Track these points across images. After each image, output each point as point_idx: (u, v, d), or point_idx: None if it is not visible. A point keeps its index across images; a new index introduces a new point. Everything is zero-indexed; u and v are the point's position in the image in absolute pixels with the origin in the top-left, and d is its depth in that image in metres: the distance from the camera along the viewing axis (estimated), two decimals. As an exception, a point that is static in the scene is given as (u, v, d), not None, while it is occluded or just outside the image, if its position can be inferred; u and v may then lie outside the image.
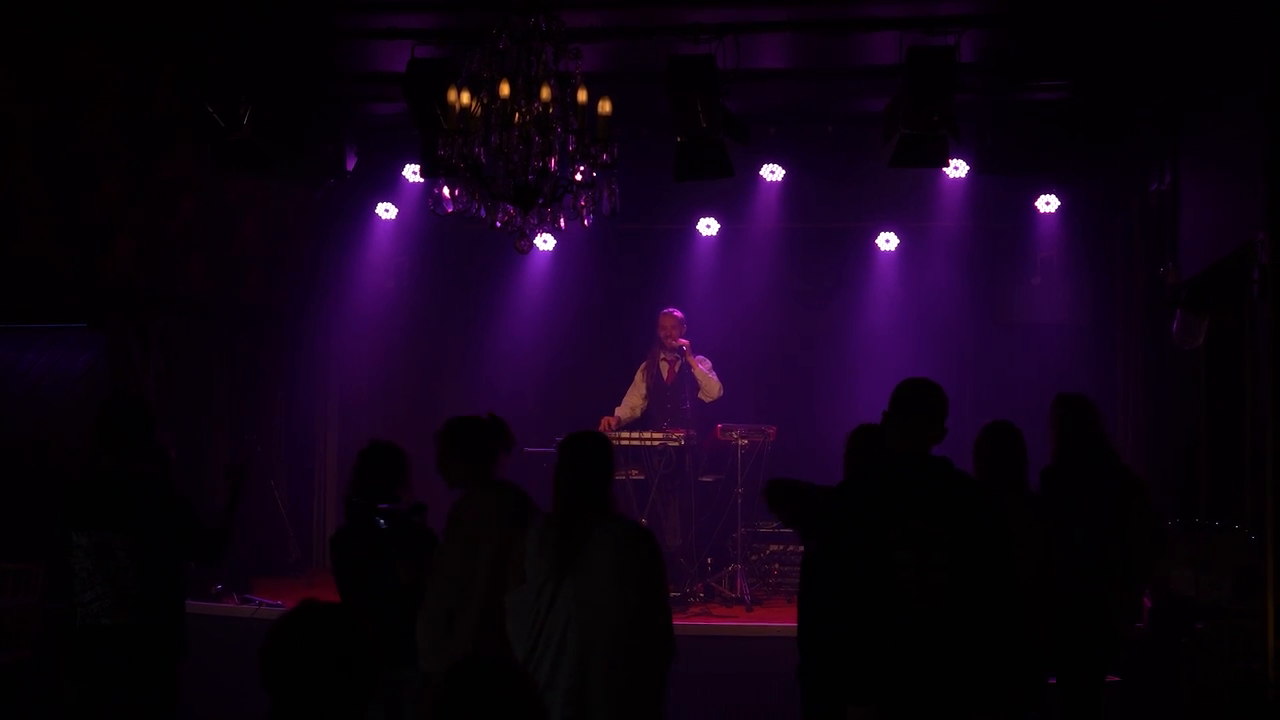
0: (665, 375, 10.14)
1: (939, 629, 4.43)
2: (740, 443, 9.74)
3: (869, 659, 4.49)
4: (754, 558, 10.00)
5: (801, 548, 6.37)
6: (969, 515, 4.51)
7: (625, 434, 9.69)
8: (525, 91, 5.90)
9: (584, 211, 6.07)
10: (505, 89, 5.82)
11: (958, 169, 9.91)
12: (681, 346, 10.02)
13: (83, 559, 5.56)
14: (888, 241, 11.28)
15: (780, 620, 8.48)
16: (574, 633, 4.78)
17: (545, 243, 11.04)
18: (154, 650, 5.62)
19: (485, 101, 5.94)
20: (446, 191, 6.03)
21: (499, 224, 6.10)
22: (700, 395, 10.07)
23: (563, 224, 6.14)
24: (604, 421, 9.89)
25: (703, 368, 10.09)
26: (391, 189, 10.78)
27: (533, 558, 4.92)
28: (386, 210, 11.00)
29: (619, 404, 10.25)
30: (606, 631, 4.82)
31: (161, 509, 5.64)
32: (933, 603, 4.42)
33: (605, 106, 5.94)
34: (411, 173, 10.36)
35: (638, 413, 10.16)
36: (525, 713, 3.05)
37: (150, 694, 5.62)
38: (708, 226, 11.29)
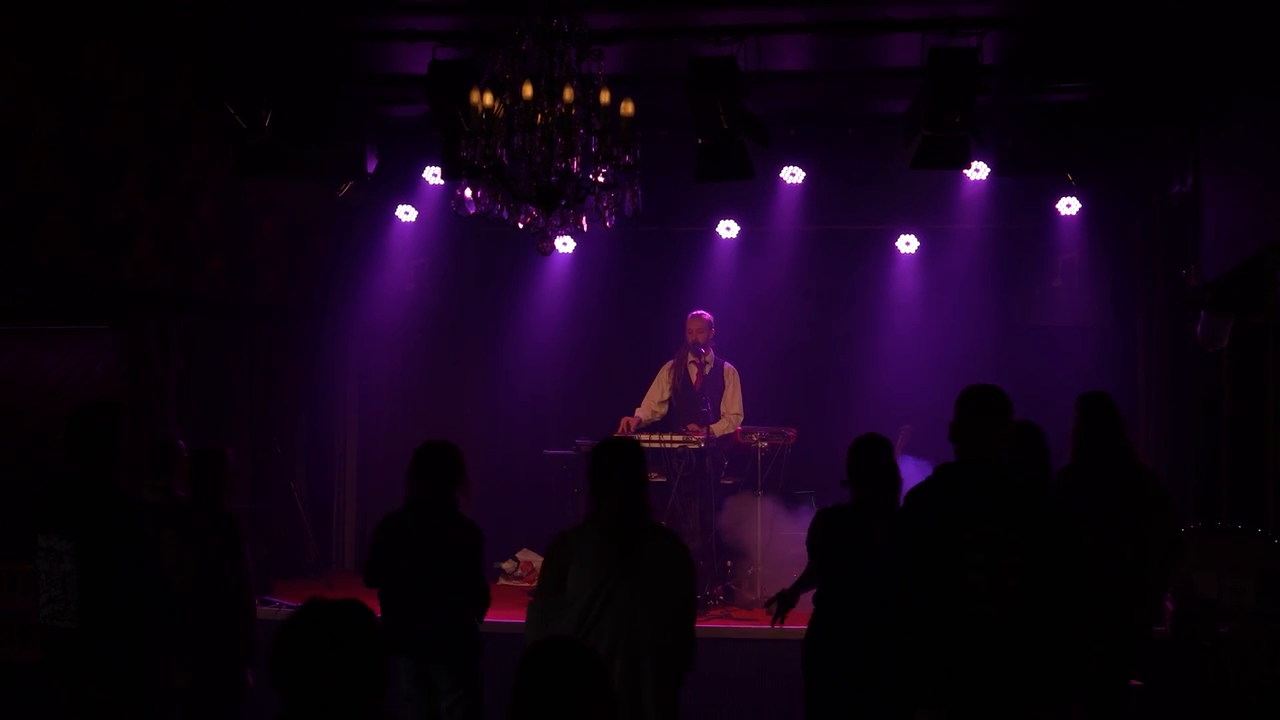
0: (694, 379, 9.97)
1: (1010, 632, 4.47)
2: (760, 445, 9.68)
3: (939, 662, 4.52)
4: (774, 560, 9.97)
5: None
6: (1041, 520, 4.56)
7: (645, 436, 9.58)
8: (548, 93, 5.92)
9: (606, 213, 6.09)
10: (528, 90, 5.83)
11: (978, 171, 9.84)
12: (724, 365, 9.98)
13: (40, 561, 5.53)
14: (908, 244, 11.25)
15: (800, 624, 8.41)
16: (624, 641, 4.84)
17: (565, 244, 11.03)
18: (104, 658, 5.45)
19: (508, 103, 5.96)
20: (469, 193, 6.04)
21: (521, 225, 6.11)
22: (715, 424, 9.65)
23: (585, 225, 6.16)
24: (623, 423, 9.81)
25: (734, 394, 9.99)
26: (412, 191, 10.76)
27: (587, 567, 4.95)
28: (407, 212, 10.99)
29: (638, 404, 10.14)
30: (653, 639, 4.91)
31: (110, 519, 5.47)
32: (1004, 606, 4.46)
33: (628, 108, 5.96)
34: (432, 174, 10.33)
35: (658, 416, 10.04)
36: (598, 691, 3.12)
37: (116, 701, 5.47)
38: (727, 228, 11.26)
